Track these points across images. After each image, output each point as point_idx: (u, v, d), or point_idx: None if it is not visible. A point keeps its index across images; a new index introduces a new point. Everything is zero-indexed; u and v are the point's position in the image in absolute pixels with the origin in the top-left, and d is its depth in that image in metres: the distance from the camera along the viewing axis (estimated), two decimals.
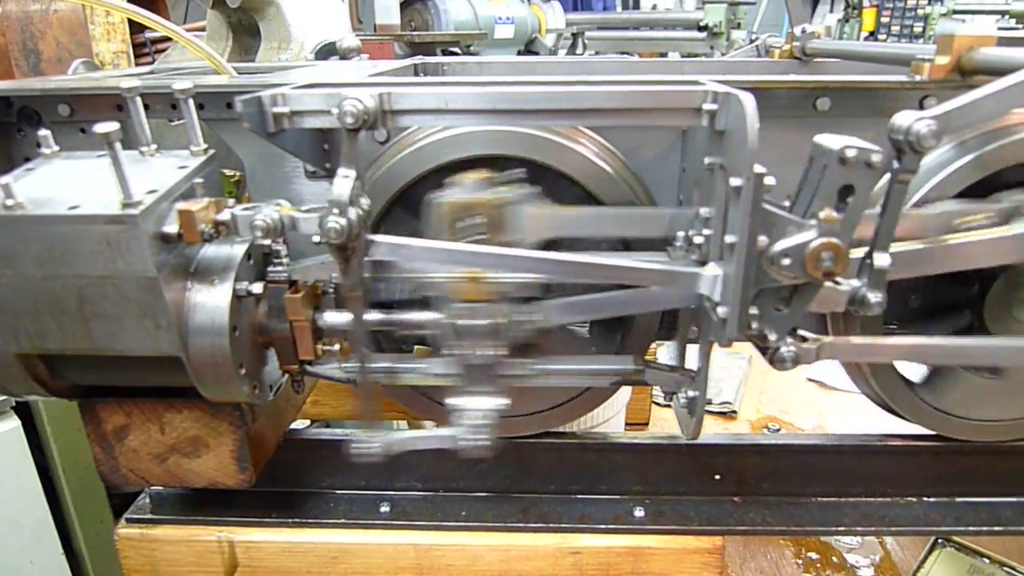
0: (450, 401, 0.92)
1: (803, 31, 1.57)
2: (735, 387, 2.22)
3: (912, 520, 1.12)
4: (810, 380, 2.29)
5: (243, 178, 1.04)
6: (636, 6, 7.84)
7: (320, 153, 0.99)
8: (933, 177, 0.91)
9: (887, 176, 0.79)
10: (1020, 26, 5.93)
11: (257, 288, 0.90)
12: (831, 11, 10.24)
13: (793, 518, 1.13)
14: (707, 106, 0.81)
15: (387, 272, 0.89)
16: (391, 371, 0.98)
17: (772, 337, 0.83)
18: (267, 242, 0.93)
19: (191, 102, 0.88)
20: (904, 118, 0.78)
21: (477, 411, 0.90)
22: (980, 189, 0.92)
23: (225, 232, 0.83)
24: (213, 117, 1.00)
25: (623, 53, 4.85)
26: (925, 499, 1.14)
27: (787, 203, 0.80)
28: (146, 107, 0.96)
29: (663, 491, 1.15)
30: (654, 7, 7.30)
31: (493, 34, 4.08)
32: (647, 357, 1.06)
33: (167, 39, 2.35)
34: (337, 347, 0.94)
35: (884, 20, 8.89)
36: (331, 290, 0.95)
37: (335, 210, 0.79)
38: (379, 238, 0.85)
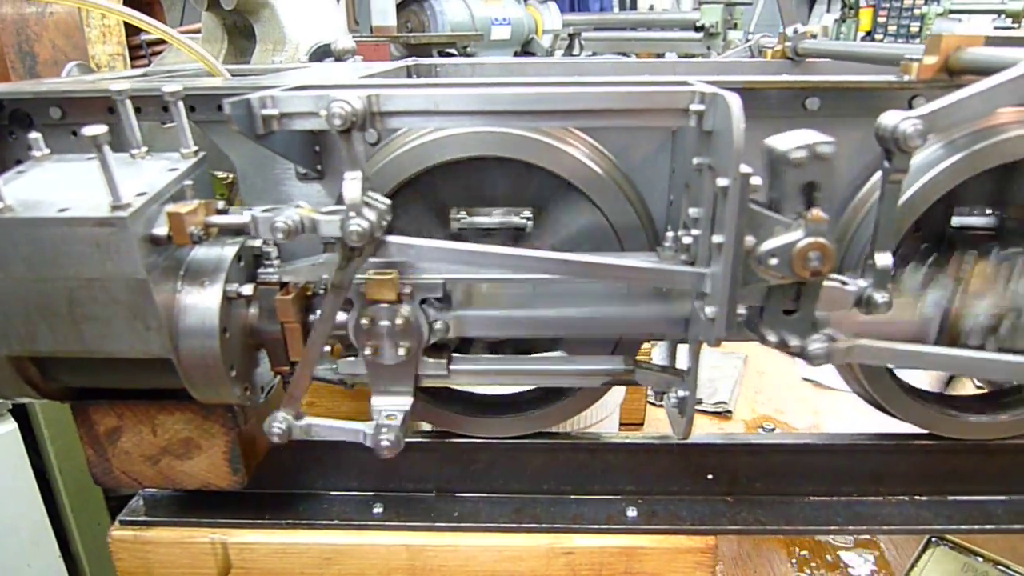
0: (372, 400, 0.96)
1: (795, 31, 1.58)
2: (730, 387, 2.21)
3: (904, 519, 1.13)
4: (805, 379, 2.28)
5: (235, 180, 1.04)
6: (633, 7, 7.84)
7: (311, 155, 0.99)
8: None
9: (879, 174, 0.79)
10: (1016, 25, 5.94)
11: (247, 290, 0.90)
12: (828, 11, 10.26)
13: (785, 517, 1.13)
14: (695, 107, 0.82)
15: None
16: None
17: (793, 343, 0.84)
18: (257, 243, 0.93)
19: (181, 105, 0.89)
20: (890, 118, 0.78)
21: (385, 410, 0.94)
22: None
23: (216, 234, 0.83)
24: (204, 119, 1.00)
25: (620, 54, 4.87)
26: (917, 498, 1.15)
27: None
28: (138, 110, 0.97)
29: (656, 491, 1.15)
30: (651, 8, 7.30)
31: (489, 35, 4.09)
32: (640, 357, 1.06)
33: (163, 41, 2.34)
34: (328, 348, 0.95)
35: (881, 20, 8.92)
36: (322, 291, 0.95)
37: (352, 212, 0.79)
38: (390, 238, 0.85)
